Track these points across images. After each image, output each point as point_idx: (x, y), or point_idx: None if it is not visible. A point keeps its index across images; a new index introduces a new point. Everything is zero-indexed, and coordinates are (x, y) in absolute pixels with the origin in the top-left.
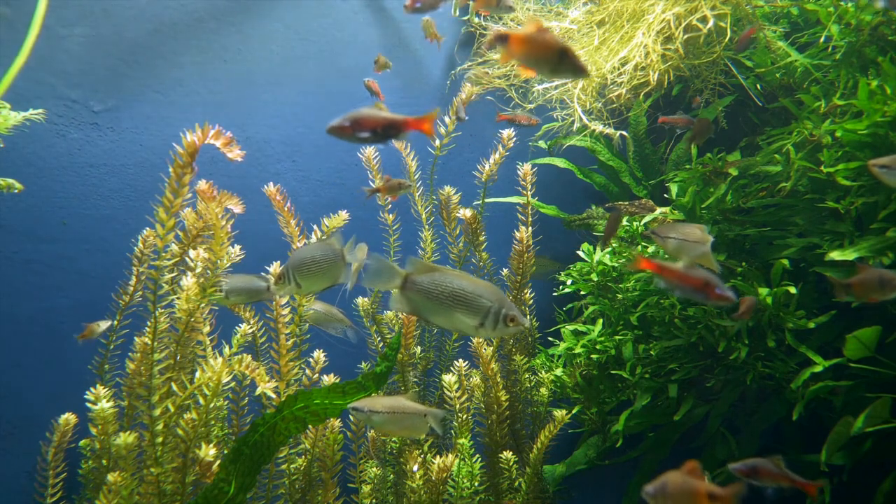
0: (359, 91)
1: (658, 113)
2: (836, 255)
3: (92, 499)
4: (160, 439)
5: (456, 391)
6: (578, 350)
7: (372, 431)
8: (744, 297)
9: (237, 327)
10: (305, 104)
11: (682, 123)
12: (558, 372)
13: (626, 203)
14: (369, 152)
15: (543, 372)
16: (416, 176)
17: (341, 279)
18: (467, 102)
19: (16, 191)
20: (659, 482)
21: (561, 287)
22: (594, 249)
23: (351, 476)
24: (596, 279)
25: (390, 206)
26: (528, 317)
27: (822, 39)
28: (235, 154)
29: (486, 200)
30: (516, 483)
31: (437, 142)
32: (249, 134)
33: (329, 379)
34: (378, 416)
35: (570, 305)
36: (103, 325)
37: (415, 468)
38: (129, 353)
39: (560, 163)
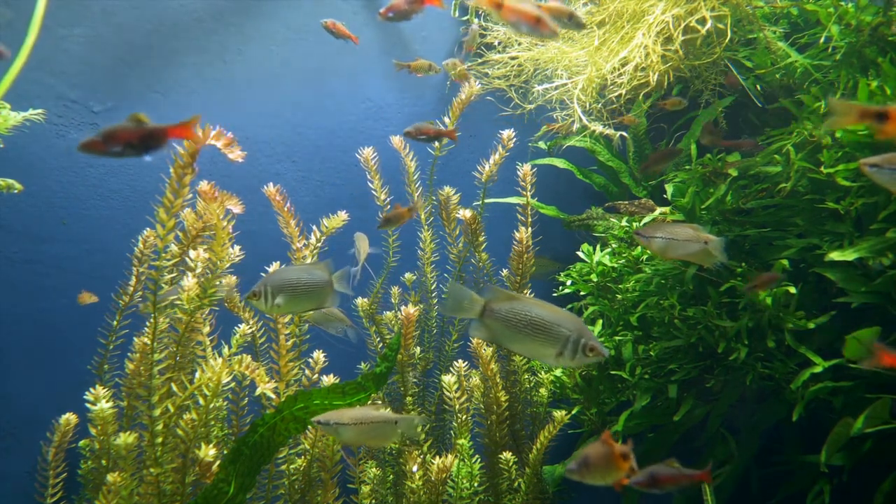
0: (359, 91)
1: (658, 113)
2: (835, 256)
3: (91, 499)
4: (160, 439)
5: (455, 392)
6: None
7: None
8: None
9: (236, 328)
10: (305, 104)
11: (746, 147)
12: (558, 372)
13: (626, 203)
14: (367, 153)
15: (543, 372)
16: (416, 176)
17: (326, 304)
18: (467, 102)
19: (16, 191)
20: (580, 457)
21: (561, 288)
22: (594, 250)
23: (350, 476)
24: (595, 280)
25: (389, 206)
26: None
27: (822, 40)
28: (237, 155)
29: (486, 201)
30: (516, 483)
31: (437, 142)
32: (249, 134)
33: (329, 379)
34: (345, 428)
35: (569, 306)
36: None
37: (414, 468)
38: (129, 354)
39: (560, 163)
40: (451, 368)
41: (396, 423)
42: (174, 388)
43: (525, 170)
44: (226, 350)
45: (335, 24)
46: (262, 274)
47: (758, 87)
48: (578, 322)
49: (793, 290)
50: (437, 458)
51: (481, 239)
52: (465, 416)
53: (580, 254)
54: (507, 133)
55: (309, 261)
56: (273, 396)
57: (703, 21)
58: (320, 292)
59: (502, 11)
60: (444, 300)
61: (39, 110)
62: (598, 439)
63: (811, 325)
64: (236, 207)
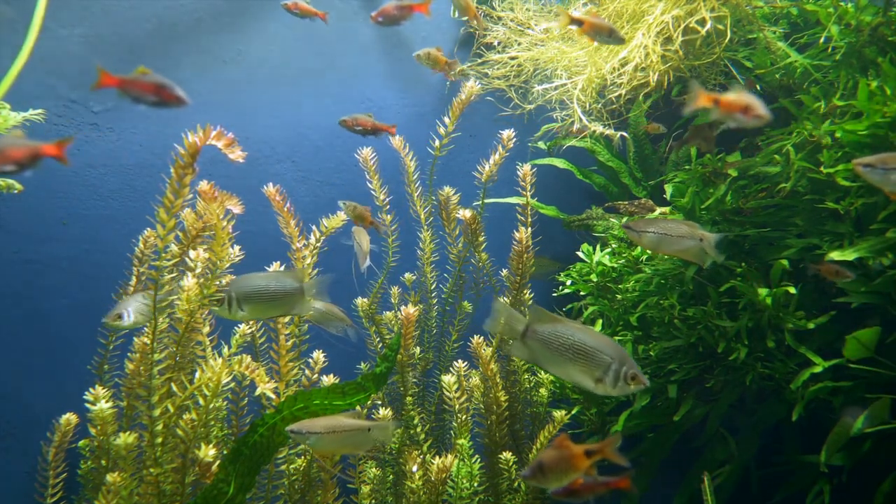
0: (358, 92)
1: (657, 113)
2: (835, 256)
3: (91, 499)
4: (160, 440)
5: (455, 392)
6: None
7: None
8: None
9: (236, 328)
10: (305, 104)
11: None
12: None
13: (626, 203)
14: (366, 153)
15: (542, 373)
16: (416, 176)
17: (296, 311)
18: (467, 103)
19: (15, 191)
20: (534, 463)
21: (560, 288)
22: (594, 250)
23: (350, 476)
24: (595, 280)
25: (388, 206)
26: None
27: (821, 40)
28: (237, 155)
29: (486, 201)
30: (516, 483)
31: (437, 142)
32: (249, 134)
33: (328, 379)
34: (316, 437)
35: (569, 306)
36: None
37: (414, 469)
38: (129, 354)
39: (560, 163)
40: (450, 368)
41: (370, 430)
42: (174, 388)
43: (525, 170)
44: (226, 350)
45: (297, 4)
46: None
47: (757, 87)
48: (621, 349)
49: (793, 290)
50: (437, 458)
51: (481, 239)
52: (464, 417)
53: (580, 254)
54: (507, 133)
55: (308, 261)
56: (273, 396)
57: (702, 22)
58: (288, 300)
59: (720, 106)
60: (488, 317)
61: (39, 110)
62: (554, 444)
63: (811, 326)
64: (236, 207)
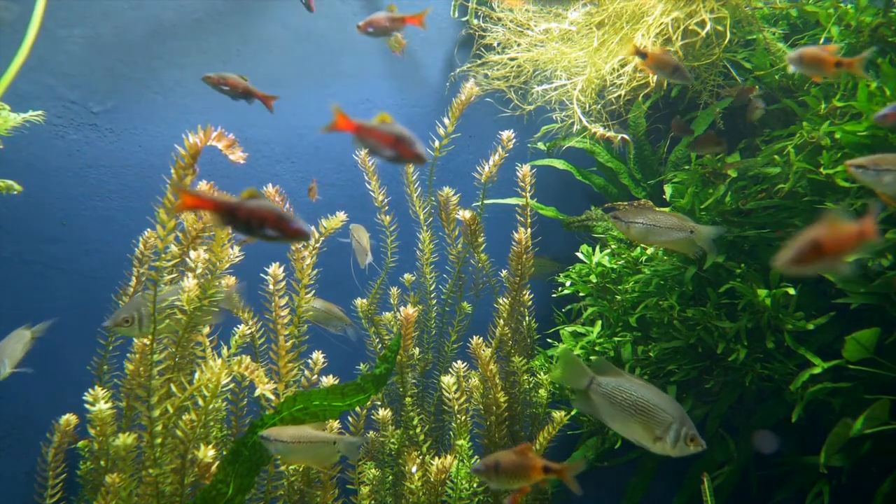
0: (358, 92)
1: (657, 114)
2: None
3: (90, 500)
4: (159, 440)
5: (455, 392)
6: (578, 351)
7: (372, 432)
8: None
9: (235, 328)
10: (304, 105)
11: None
12: (557, 373)
13: (626, 203)
14: (365, 153)
15: (542, 373)
16: (415, 177)
17: (208, 321)
18: (466, 104)
19: (15, 192)
20: (491, 459)
21: (560, 288)
22: (593, 251)
23: (349, 477)
24: (595, 281)
25: (387, 206)
26: (529, 318)
27: (821, 41)
28: (238, 156)
29: (486, 202)
30: None
31: (437, 143)
32: (248, 135)
33: (328, 380)
34: (281, 445)
35: (569, 307)
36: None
37: (413, 469)
38: (128, 354)
39: (559, 164)
40: (450, 369)
41: (335, 443)
42: (173, 388)
43: (524, 171)
44: (225, 351)
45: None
46: (262, 275)
47: (757, 87)
48: (681, 409)
49: (792, 291)
50: (437, 458)
51: (481, 240)
52: (464, 417)
53: (579, 255)
54: (507, 134)
55: (308, 261)
56: (272, 397)
57: (702, 24)
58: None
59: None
60: (556, 366)
61: (38, 111)
62: (516, 448)
63: (810, 326)
64: None
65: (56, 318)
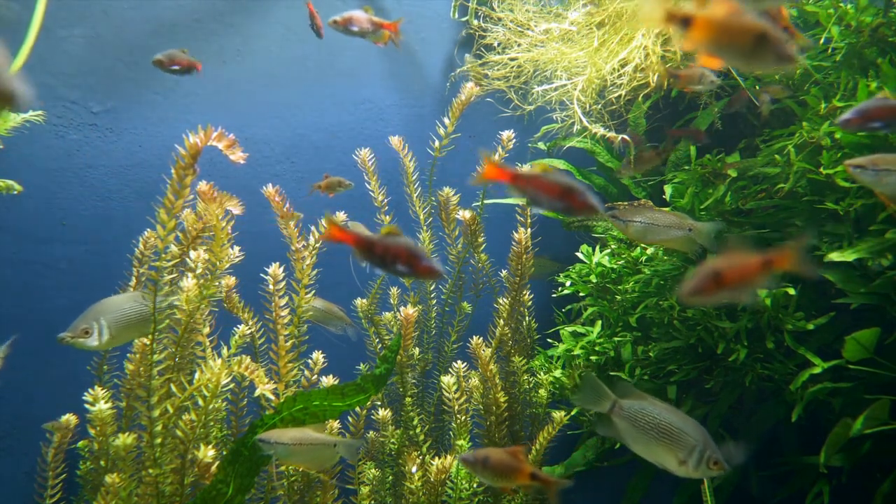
0: (358, 92)
1: (658, 115)
2: (835, 257)
3: (90, 500)
4: (159, 440)
5: (455, 392)
6: (577, 351)
7: (372, 432)
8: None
9: (235, 328)
10: (304, 105)
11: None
12: (557, 373)
13: (626, 203)
14: (364, 153)
15: (542, 373)
16: (415, 177)
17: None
18: (467, 103)
19: (15, 192)
20: (481, 453)
21: (560, 288)
22: (593, 251)
23: (349, 477)
24: (595, 281)
25: (387, 206)
26: (529, 318)
27: (822, 41)
28: (238, 156)
29: (486, 202)
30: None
31: (437, 143)
32: (248, 135)
33: (328, 380)
34: (281, 447)
35: (569, 307)
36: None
37: (413, 469)
38: (128, 354)
39: (559, 164)
40: (450, 369)
41: (335, 445)
42: (173, 388)
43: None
44: (225, 351)
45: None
46: (262, 275)
47: (756, 87)
48: (704, 432)
49: (792, 291)
50: (437, 458)
51: (481, 239)
52: (464, 417)
53: (579, 255)
54: (507, 134)
55: (308, 262)
56: (272, 397)
57: None
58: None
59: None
60: (577, 390)
61: (38, 111)
62: (507, 451)
63: (810, 326)
64: (236, 208)
65: (16, 336)
